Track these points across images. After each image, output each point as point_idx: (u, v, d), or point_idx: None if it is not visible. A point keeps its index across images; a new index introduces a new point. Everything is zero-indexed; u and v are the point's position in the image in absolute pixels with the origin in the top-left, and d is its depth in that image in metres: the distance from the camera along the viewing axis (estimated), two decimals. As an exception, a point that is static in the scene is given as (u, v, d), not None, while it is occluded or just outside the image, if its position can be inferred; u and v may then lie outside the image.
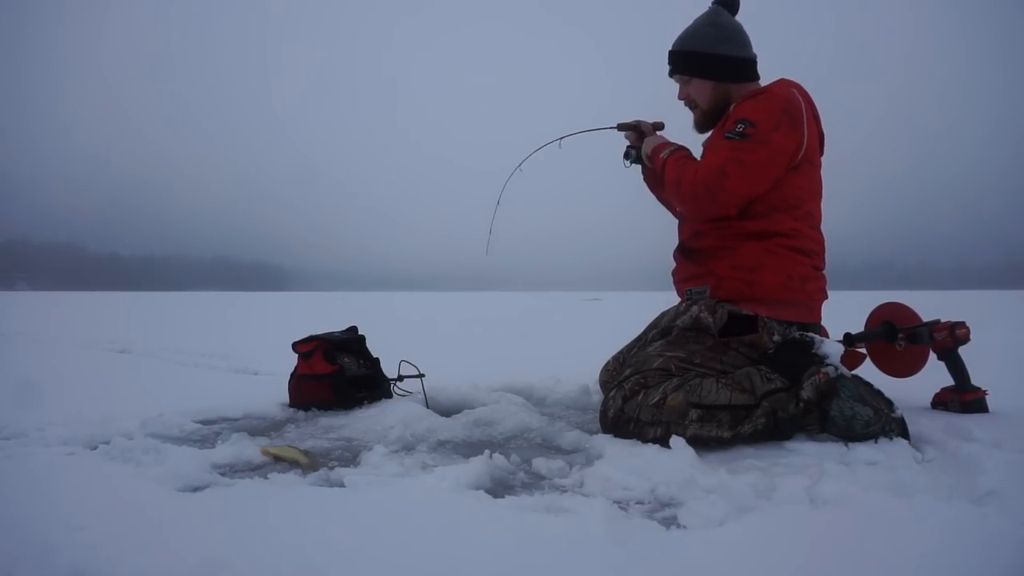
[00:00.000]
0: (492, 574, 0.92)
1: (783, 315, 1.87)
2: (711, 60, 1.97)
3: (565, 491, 1.36)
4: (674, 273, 2.12)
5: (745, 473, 1.38)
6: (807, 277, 1.93)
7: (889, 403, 1.61)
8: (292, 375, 2.31)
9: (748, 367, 1.74)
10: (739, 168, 1.81)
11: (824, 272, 2.01)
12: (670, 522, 1.17)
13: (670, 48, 2.04)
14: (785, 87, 1.92)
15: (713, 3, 2.03)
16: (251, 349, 4.34)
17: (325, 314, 9.84)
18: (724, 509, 1.17)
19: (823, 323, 2.44)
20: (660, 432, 1.65)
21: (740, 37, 2.00)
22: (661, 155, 2.00)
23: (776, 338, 1.80)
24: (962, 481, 1.28)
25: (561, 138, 2.26)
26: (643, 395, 1.70)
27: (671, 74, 2.06)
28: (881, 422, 1.57)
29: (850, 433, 1.58)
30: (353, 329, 2.51)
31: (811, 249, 1.95)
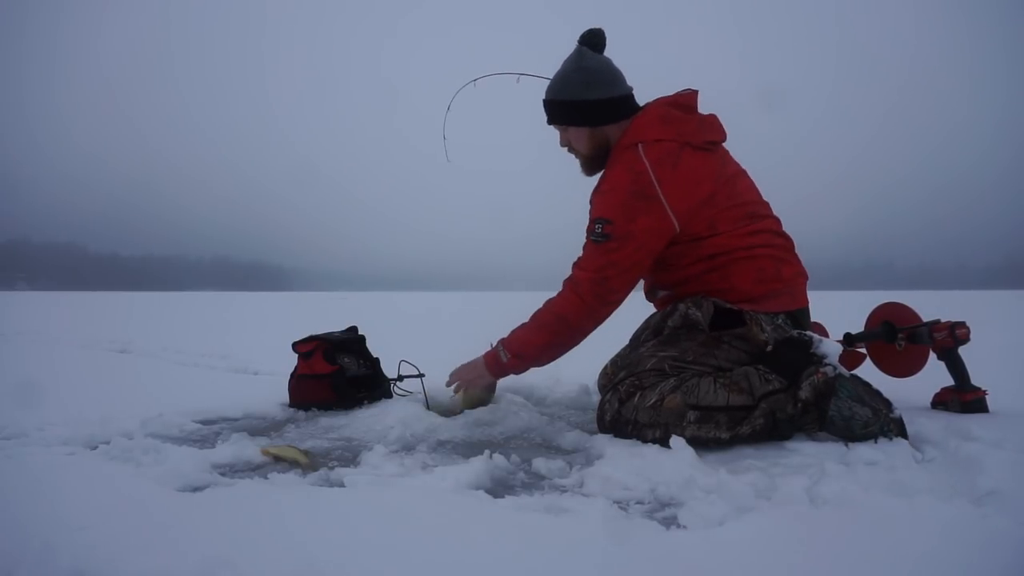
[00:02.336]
0: (492, 574, 0.92)
1: (768, 307, 1.84)
2: (582, 107, 1.92)
3: (565, 491, 1.36)
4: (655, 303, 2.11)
5: (745, 473, 1.38)
6: (779, 262, 1.90)
7: (888, 403, 1.60)
8: (292, 375, 2.31)
9: (746, 367, 1.73)
10: (615, 269, 1.81)
11: (795, 252, 1.98)
12: (670, 522, 1.17)
13: (543, 97, 1.99)
14: (628, 163, 1.83)
15: (578, 43, 1.95)
16: (251, 349, 4.34)
17: (325, 314, 9.84)
18: (724, 509, 1.17)
19: (823, 323, 2.44)
20: (659, 434, 1.65)
21: (606, 77, 1.92)
22: (501, 357, 1.97)
23: (767, 329, 1.78)
24: (962, 481, 1.28)
25: (477, 79, 2.28)
26: (639, 397, 1.70)
27: (548, 123, 2.02)
28: (879, 422, 1.57)
29: (848, 433, 1.58)
30: (353, 329, 2.51)
31: (768, 242, 1.90)
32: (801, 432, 1.65)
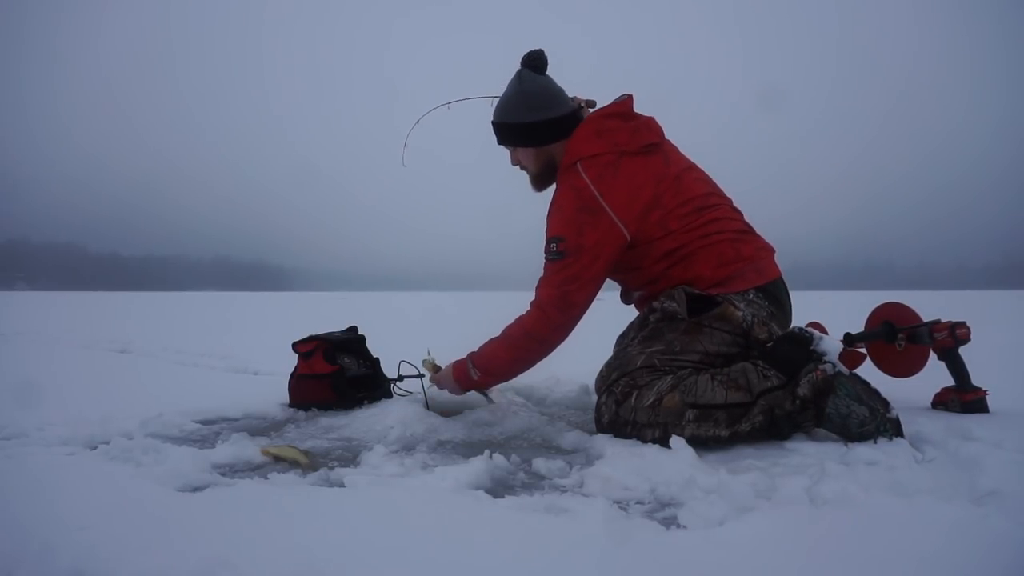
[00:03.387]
0: (492, 574, 0.92)
1: (735, 287, 1.86)
2: (526, 129, 2.00)
3: (565, 491, 1.36)
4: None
5: (745, 473, 1.38)
6: (737, 243, 1.92)
7: (885, 403, 1.59)
8: (292, 375, 2.31)
9: (744, 363, 1.71)
10: (575, 283, 1.87)
11: (753, 230, 2.01)
12: (670, 522, 1.17)
13: (491, 119, 2.07)
14: (569, 181, 1.90)
15: (530, 59, 2.00)
16: (251, 349, 4.34)
17: (325, 314, 9.84)
18: (724, 509, 1.17)
19: (823, 323, 2.44)
20: (658, 434, 1.65)
21: (546, 99, 1.98)
22: (471, 374, 2.01)
23: (741, 306, 1.80)
24: (962, 481, 1.28)
25: (448, 103, 2.28)
26: (636, 397, 1.70)
27: (498, 144, 2.10)
28: (876, 421, 1.56)
29: (845, 431, 1.58)
30: (353, 329, 2.51)
31: (721, 228, 1.92)
32: (799, 430, 1.65)
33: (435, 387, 2.16)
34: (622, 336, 2.03)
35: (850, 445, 1.54)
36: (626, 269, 1.99)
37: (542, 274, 1.95)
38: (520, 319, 1.97)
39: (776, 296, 1.92)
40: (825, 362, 1.65)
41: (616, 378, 1.78)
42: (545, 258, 1.93)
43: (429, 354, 2.22)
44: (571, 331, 1.96)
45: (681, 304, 1.82)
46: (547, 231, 1.95)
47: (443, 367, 2.13)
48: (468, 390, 2.10)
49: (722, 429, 1.63)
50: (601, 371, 2.04)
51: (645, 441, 1.66)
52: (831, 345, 1.69)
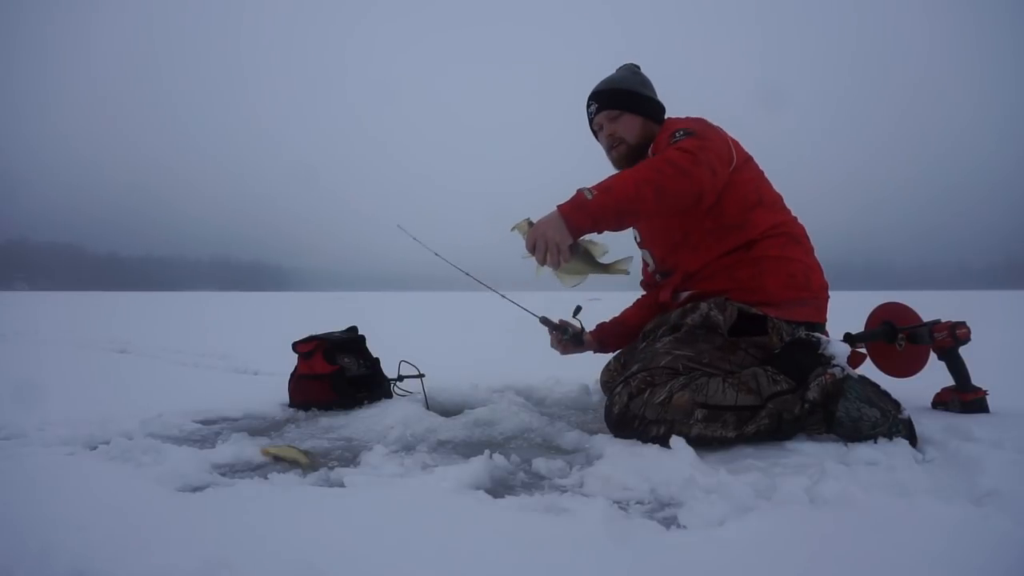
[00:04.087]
0: (492, 574, 0.92)
1: (793, 315, 1.86)
2: (640, 98, 2.07)
3: (565, 491, 1.35)
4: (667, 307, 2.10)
5: (745, 473, 1.38)
6: (809, 270, 1.94)
7: (896, 404, 1.59)
8: (292, 375, 2.31)
9: (754, 367, 1.73)
10: (710, 152, 1.79)
11: (817, 258, 2.03)
12: (670, 522, 1.17)
13: (594, 90, 2.10)
14: (686, 119, 2.01)
15: (629, 66, 2.16)
16: (250, 349, 4.34)
17: (325, 314, 9.83)
18: (724, 509, 1.17)
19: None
20: (663, 430, 1.64)
21: (654, 88, 2.14)
22: (585, 194, 1.67)
23: (786, 340, 1.79)
24: (962, 481, 1.28)
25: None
26: (649, 393, 1.68)
27: (597, 111, 2.09)
28: (888, 423, 1.56)
29: (856, 434, 1.57)
30: (353, 329, 2.51)
31: (799, 233, 1.99)
32: (804, 432, 1.66)
33: (532, 250, 1.67)
34: (650, 331, 2.02)
35: (850, 445, 1.54)
36: (689, 246, 1.97)
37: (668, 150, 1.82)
38: (651, 159, 1.81)
39: (822, 338, 1.89)
40: (834, 365, 1.65)
41: (636, 371, 1.74)
42: (671, 142, 1.84)
43: (525, 220, 1.74)
44: (706, 186, 1.76)
45: (728, 321, 1.82)
46: (669, 128, 1.94)
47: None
48: (579, 223, 1.65)
49: (729, 431, 1.63)
50: (608, 364, 2.06)
51: (648, 437, 1.65)
52: (839, 348, 1.69)
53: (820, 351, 1.71)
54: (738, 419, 1.63)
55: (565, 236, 1.64)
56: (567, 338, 2.23)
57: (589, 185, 1.69)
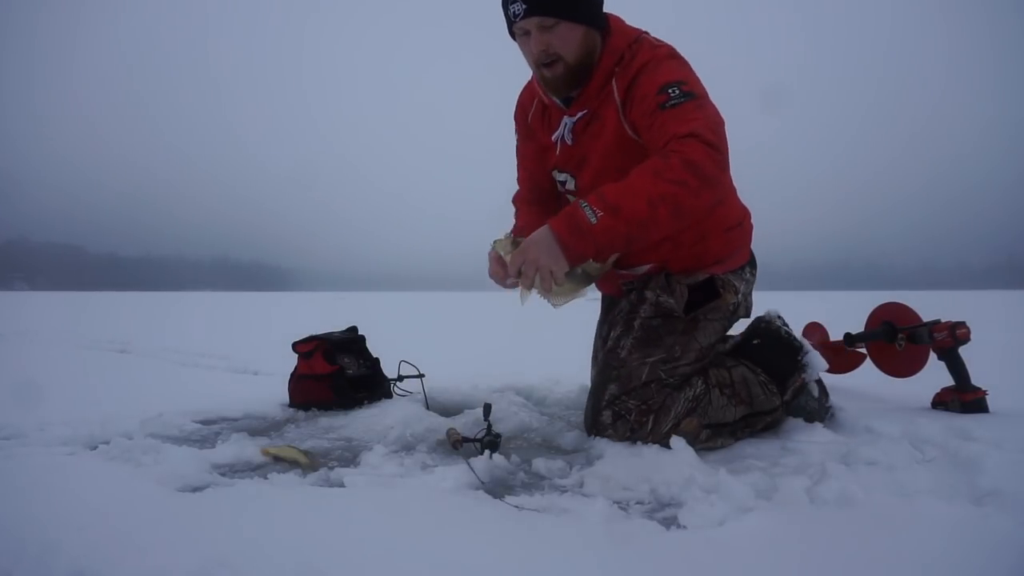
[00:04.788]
0: (492, 574, 0.92)
1: (735, 263, 1.77)
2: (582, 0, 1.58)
3: (565, 491, 1.35)
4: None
5: (745, 473, 1.38)
6: (741, 215, 1.79)
7: (827, 395, 1.88)
8: (292, 375, 2.31)
9: (742, 370, 1.74)
10: (721, 127, 1.49)
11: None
12: (670, 522, 1.17)
13: None
14: (652, 43, 1.62)
15: None
16: (251, 349, 4.34)
17: (325, 314, 9.84)
18: (724, 509, 1.17)
19: (823, 323, 2.44)
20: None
21: None
22: (587, 216, 1.38)
23: (740, 288, 1.77)
24: (962, 481, 1.28)
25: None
26: (653, 422, 1.60)
27: (524, 16, 1.55)
28: (821, 412, 1.84)
29: (799, 412, 1.80)
30: (353, 329, 2.51)
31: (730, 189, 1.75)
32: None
33: (517, 275, 1.44)
34: (604, 331, 1.84)
35: (851, 445, 1.54)
36: None
37: (667, 122, 1.46)
38: (665, 156, 1.40)
39: (755, 259, 1.85)
40: (806, 371, 1.82)
41: (619, 395, 1.64)
42: (666, 106, 1.47)
43: (507, 236, 1.56)
44: (712, 199, 1.46)
45: (680, 301, 1.69)
46: (651, 80, 1.52)
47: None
48: (577, 253, 1.39)
49: (728, 439, 1.68)
50: (595, 379, 1.79)
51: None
52: (815, 361, 1.83)
53: (799, 358, 1.81)
54: (740, 430, 1.69)
55: (561, 264, 1.39)
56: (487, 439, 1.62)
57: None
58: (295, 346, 2.34)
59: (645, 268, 1.76)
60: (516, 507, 1.21)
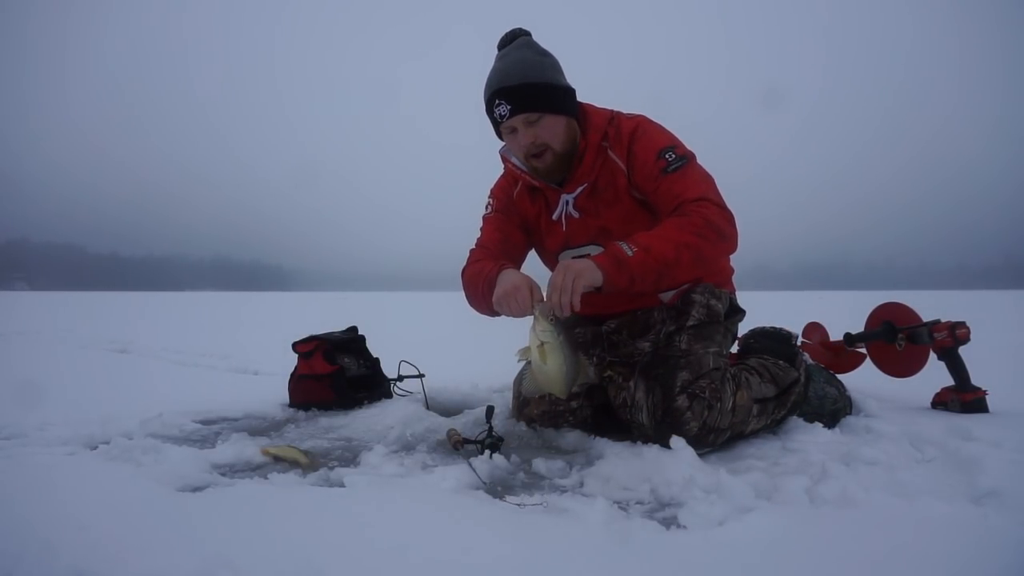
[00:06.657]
0: (492, 574, 0.92)
1: (731, 288, 1.96)
2: (559, 92, 1.70)
3: (565, 491, 1.35)
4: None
5: (745, 473, 1.38)
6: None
7: (842, 384, 1.97)
8: (292, 375, 2.31)
9: (752, 359, 1.87)
10: (713, 183, 1.71)
11: None
12: (670, 522, 1.17)
13: (499, 85, 1.67)
14: (633, 119, 1.79)
15: (520, 33, 1.75)
16: (251, 349, 4.34)
17: (325, 314, 9.84)
18: (724, 509, 1.17)
19: (821, 322, 2.44)
20: (729, 436, 1.65)
21: (562, 69, 1.75)
22: (625, 250, 1.53)
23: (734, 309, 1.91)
24: (962, 481, 1.28)
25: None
26: (720, 402, 1.63)
27: (510, 116, 1.67)
28: (843, 399, 1.92)
29: (820, 408, 1.85)
30: (353, 329, 2.51)
31: None
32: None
33: (554, 287, 1.48)
34: (650, 326, 1.84)
35: (851, 445, 1.54)
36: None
37: (672, 185, 1.64)
38: (684, 215, 1.59)
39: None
40: (803, 355, 1.93)
41: (692, 379, 1.64)
42: (668, 171, 1.65)
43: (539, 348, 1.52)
44: (725, 250, 1.69)
45: (724, 308, 1.82)
46: (646, 148, 1.69)
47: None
48: (615, 278, 1.51)
49: (767, 419, 1.73)
50: (655, 373, 1.72)
51: (714, 445, 1.63)
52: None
53: (793, 343, 1.93)
54: (777, 407, 1.75)
55: (597, 279, 1.50)
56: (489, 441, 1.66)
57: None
58: (295, 346, 2.34)
59: (671, 294, 1.84)
60: (518, 505, 1.21)
